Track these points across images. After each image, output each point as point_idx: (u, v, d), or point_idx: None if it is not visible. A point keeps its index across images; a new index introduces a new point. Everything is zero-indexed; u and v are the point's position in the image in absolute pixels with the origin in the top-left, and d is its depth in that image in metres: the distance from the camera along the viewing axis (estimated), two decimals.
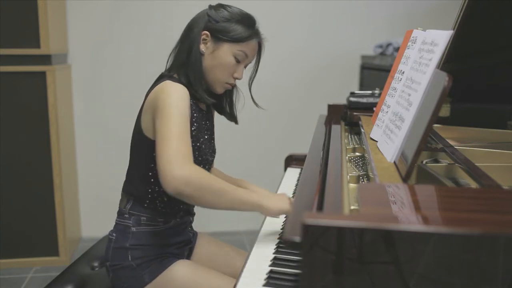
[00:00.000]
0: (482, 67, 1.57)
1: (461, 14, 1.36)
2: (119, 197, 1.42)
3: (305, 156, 1.48)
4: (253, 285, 1.01)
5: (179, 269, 1.34)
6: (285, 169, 1.91)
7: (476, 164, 1.01)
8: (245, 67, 1.42)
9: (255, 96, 1.50)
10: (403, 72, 1.29)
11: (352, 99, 1.84)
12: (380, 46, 2.80)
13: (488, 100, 1.60)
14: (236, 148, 3.07)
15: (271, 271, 1.06)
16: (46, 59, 2.52)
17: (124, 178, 1.42)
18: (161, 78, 1.37)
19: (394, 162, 1.09)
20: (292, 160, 1.92)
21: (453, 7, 1.51)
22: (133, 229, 1.35)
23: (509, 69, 1.54)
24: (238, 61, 1.37)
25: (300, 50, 3.04)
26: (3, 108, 2.53)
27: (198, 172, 1.13)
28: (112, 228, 1.40)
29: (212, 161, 1.50)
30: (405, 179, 0.95)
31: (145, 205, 1.35)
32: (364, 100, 1.82)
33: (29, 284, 2.49)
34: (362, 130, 1.47)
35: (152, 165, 1.30)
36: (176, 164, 1.12)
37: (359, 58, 3.06)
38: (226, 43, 1.34)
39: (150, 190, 1.34)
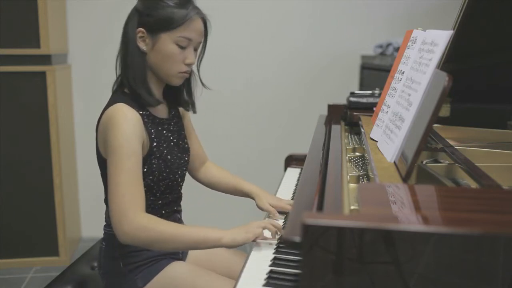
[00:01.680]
0: (482, 67, 1.57)
1: (461, 14, 1.36)
2: None
3: (305, 156, 1.48)
4: (253, 285, 1.01)
5: (174, 271, 1.33)
6: (285, 169, 1.91)
7: (476, 164, 1.01)
8: (196, 50, 1.33)
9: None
10: (403, 72, 1.29)
11: (352, 99, 1.84)
12: (380, 46, 2.80)
13: (488, 100, 1.60)
14: (236, 148, 3.07)
15: (271, 271, 1.06)
16: (46, 59, 2.52)
17: None
18: (113, 95, 1.33)
19: (394, 162, 1.09)
20: (292, 160, 1.92)
21: (453, 7, 1.50)
22: None
23: (509, 69, 1.54)
24: (182, 47, 1.28)
25: (300, 50, 3.04)
26: (3, 108, 2.53)
27: (146, 223, 1.16)
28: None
29: (187, 160, 1.43)
30: (405, 179, 0.95)
31: None
32: (364, 100, 1.82)
33: (29, 284, 2.49)
34: (362, 130, 1.47)
35: None
36: (124, 219, 1.15)
37: (359, 58, 3.06)
38: (163, 33, 1.26)
39: None
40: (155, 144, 1.30)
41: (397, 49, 2.65)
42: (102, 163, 1.30)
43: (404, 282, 0.68)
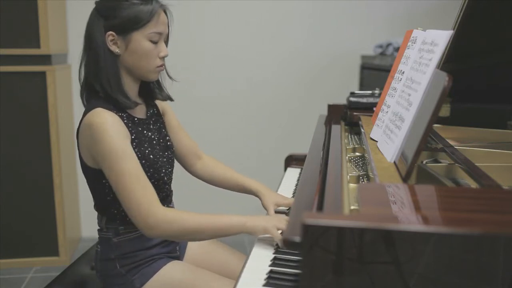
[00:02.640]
0: (482, 67, 1.57)
1: (461, 14, 1.36)
2: None
3: (305, 156, 1.48)
4: (253, 285, 1.01)
5: (171, 270, 1.32)
6: (285, 169, 1.91)
7: (476, 164, 1.01)
8: (165, 41, 1.33)
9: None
10: (403, 72, 1.29)
11: (352, 99, 1.84)
12: (380, 46, 2.80)
13: (488, 100, 1.60)
14: (236, 148, 3.07)
15: (271, 271, 1.06)
16: (46, 59, 2.52)
17: None
18: (88, 103, 1.30)
19: (394, 162, 1.09)
20: (292, 160, 1.92)
21: (453, 7, 1.50)
22: (115, 240, 1.32)
23: (509, 69, 1.54)
24: (155, 42, 1.27)
25: (300, 50, 3.04)
26: (3, 108, 2.53)
27: (171, 216, 1.18)
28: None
29: (171, 158, 1.43)
30: (405, 179, 0.95)
31: (118, 221, 1.32)
32: (364, 100, 1.82)
33: (29, 284, 2.49)
34: (362, 130, 1.47)
35: (107, 190, 1.28)
36: (149, 218, 1.17)
37: (359, 58, 3.06)
38: (134, 32, 1.24)
39: (115, 211, 1.31)
40: (135, 144, 1.28)
41: (397, 49, 2.65)
42: (88, 171, 1.29)
43: (404, 282, 0.69)
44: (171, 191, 1.45)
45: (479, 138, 1.42)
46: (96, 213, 1.40)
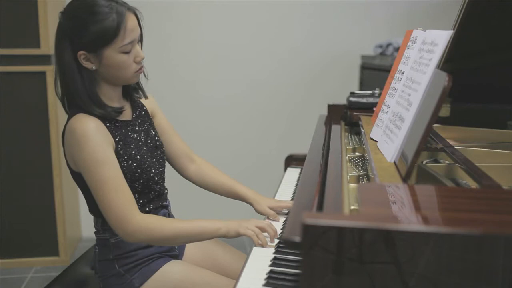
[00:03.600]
0: (482, 67, 1.57)
1: (461, 14, 1.36)
2: None
3: (305, 156, 1.48)
4: (253, 285, 1.01)
5: (170, 270, 1.33)
6: (285, 169, 1.91)
7: (476, 164, 1.01)
8: (138, 42, 1.29)
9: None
10: (403, 72, 1.29)
11: (352, 99, 1.84)
12: (380, 46, 2.80)
13: (488, 100, 1.60)
14: (236, 148, 3.07)
15: (271, 271, 1.06)
16: (46, 59, 2.52)
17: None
18: (70, 110, 1.30)
19: (394, 162, 1.09)
20: (292, 160, 1.92)
21: (453, 7, 1.50)
22: (112, 240, 1.33)
23: (509, 69, 1.54)
24: (128, 52, 1.24)
25: (300, 50, 3.04)
26: (3, 108, 2.53)
27: (147, 224, 1.21)
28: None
29: (161, 157, 1.42)
30: (405, 179, 0.95)
31: None
32: (364, 100, 1.82)
33: (29, 284, 2.49)
34: (362, 130, 1.47)
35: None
36: (125, 225, 1.20)
37: (359, 58, 3.06)
38: (105, 48, 1.21)
39: None
40: (120, 146, 1.29)
41: (397, 49, 2.65)
42: (75, 176, 1.30)
43: (404, 282, 0.68)
44: (165, 189, 1.46)
45: (479, 138, 1.42)
46: None
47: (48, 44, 2.48)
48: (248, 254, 1.17)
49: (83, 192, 1.34)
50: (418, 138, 0.93)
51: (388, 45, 2.74)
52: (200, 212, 2.90)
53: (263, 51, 3.00)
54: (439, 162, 1.17)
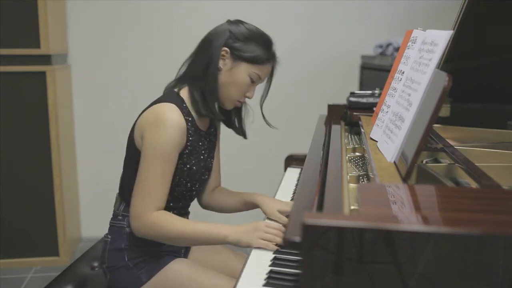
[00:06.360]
0: (482, 67, 1.57)
1: (461, 14, 1.36)
2: None
3: (305, 156, 1.48)
4: (253, 285, 1.01)
5: (177, 267, 1.34)
6: (285, 169, 1.91)
7: (476, 164, 1.01)
8: (256, 86, 1.42)
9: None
10: (403, 72, 1.29)
11: (352, 99, 1.84)
12: (380, 46, 2.80)
13: (488, 100, 1.60)
14: (236, 148, 3.07)
15: (271, 271, 1.06)
16: (46, 59, 2.52)
17: None
18: (167, 93, 1.37)
19: (394, 162, 1.09)
20: (292, 160, 1.92)
21: (453, 7, 1.50)
22: (127, 229, 1.35)
23: (509, 69, 1.54)
24: (252, 81, 1.37)
25: (300, 50, 3.04)
26: (3, 108, 2.53)
27: (155, 221, 1.24)
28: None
29: (207, 178, 1.48)
30: (405, 179, 0.95)
31: None
32: (364, 100, 1.82)
33: (29, 284, 2.49)
34: (362, 130, 1.47)
35: None
36: (138, 217, 1.25)
37: (359, 58, 3.06)
38: (245, 62, 1.34)
39: None
40: (187, 151, 1.33)
41: (397, 49, 2.65)
42: (132, 149, 1.34)
43: (404, 282, 0.68)
44: (190, 205, 1.50)
45: (479, 138, 1.42)
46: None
47: (48, 44, 2.48)
48: (248, 254, 1.17)
49: (125, 167, 1.39)
50: (418, 138, 0.93)
51: (388, 45, 2.74)
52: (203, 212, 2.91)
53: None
54: (439, 162, 1.17)
